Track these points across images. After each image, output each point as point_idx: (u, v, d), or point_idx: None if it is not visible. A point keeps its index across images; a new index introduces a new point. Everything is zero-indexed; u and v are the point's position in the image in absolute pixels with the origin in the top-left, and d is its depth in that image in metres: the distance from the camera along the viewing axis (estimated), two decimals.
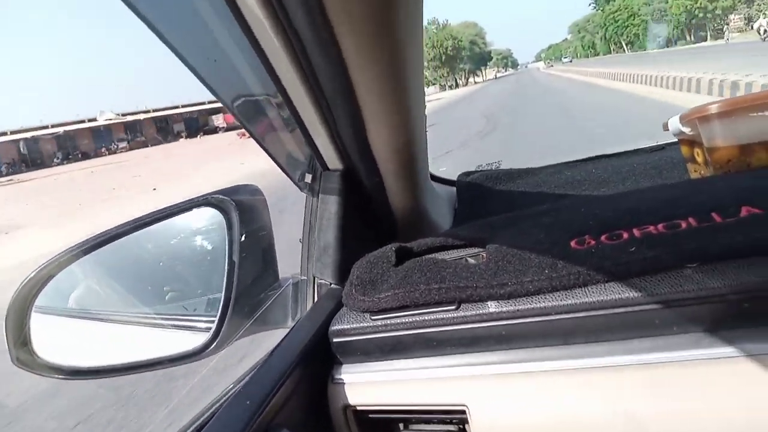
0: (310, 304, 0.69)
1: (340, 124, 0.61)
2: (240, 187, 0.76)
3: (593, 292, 0.44)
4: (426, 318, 0.50)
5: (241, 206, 0.74)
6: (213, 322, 0.70)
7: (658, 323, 0.43)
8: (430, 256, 0.60)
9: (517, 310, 0.47)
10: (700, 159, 0.68)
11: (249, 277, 0.72)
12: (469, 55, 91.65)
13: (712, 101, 0.64)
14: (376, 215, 0.75)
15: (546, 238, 0.53)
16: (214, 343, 0.68)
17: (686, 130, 0.67)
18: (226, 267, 0.71)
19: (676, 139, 0.75)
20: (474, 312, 0.48)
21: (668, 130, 0.74)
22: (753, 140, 0.62)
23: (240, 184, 0.75)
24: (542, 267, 0.48)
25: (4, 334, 0.71)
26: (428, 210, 0.82)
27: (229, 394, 0.56)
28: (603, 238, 0.49)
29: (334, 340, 0.55)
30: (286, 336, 0.58)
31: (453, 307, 0.49)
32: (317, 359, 0.55)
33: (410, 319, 0.51)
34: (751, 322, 0.40)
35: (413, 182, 0.75)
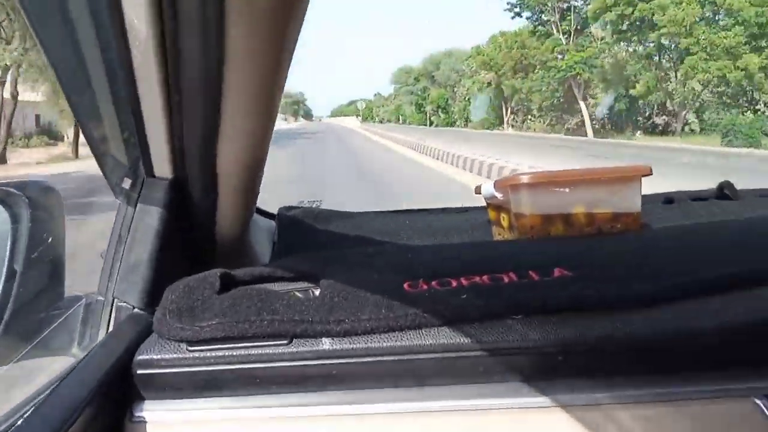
0: (103, 330, 0.61)
1: (187, 128, 0.53)
2: (33, 182, 0.65)
3: (426, 335, 0.46)
4: (254, 352, 0.47)
5: (33, 205, 0.63)
6: None
7: (482, 370, 0.45)
8: (259, 286, 0.56)
9: (352, 348, 0.46)
10: (505, 223, 0.75)
11: (31, 291, 0.62)
12: (296, 108, 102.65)
13: (523, 172, 0.71)
14: (197, 236, 0.69)
15: (380, 279, 0.53)
16: None
17: (498, 195, 0.74)
18: (2, 275, 0.60)
19: (481, 204, 0.83)
20: (307, 348, 0.46)
21: (479, 193, 0.82)
22: (554, 212, 0.70)
23: (31, 179, 0.64)
24: (379, 306, 0.48)
25: None
26: (251, 238, 0.79)
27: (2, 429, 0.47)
28: (434, 283, 0.51)
29: (138, 371, 0.48)
30: (77, 364, 0.50)
31: (285, 342, 0.47)
32: (115, 393, 0.48)
33: (235, 353, 0.47)
34: (564, 373, 0.45)
35: (246, 206, 0.71)
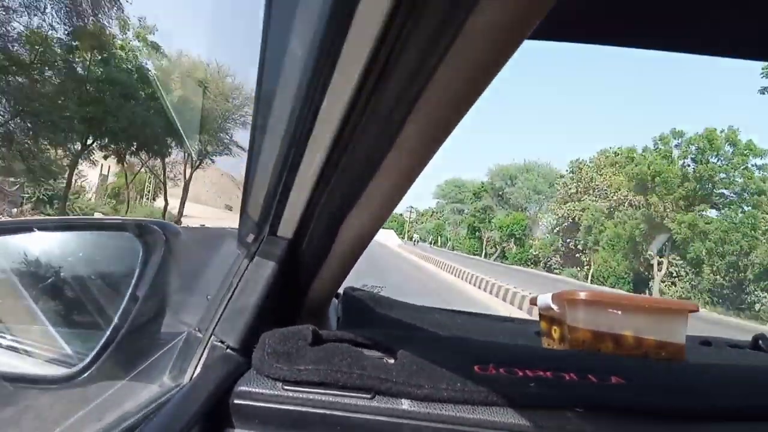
0: (197, 362, 0.67)
1: (329, 199, 0.57)
2: (166, 223, 0.76)
3: (496, 413, 0.52)
4: (340, 400, 0.52)
5: (166, 242, 0.73)
6: (85, 354, 0.66)
7: None
8: (347, 345, 0.62)
9: (428, 413, 0.51)
10: (556, 335, 0.83)
11: (143, 318, 0.69)
12: None
13: (581, 289, 0.80)
14: (293, 294, 0.77)
15: (452, 357, 0.59)
16: (85, 375, 0.64)
17: (554, 307, 0.82)
18: (125, 299, 0.69)
19: (526, 317, 0.90)
20: (388, 405, 0.52)
21: (535, 304, 0.90)
22: (605, 330, 0.78)
23: (167, 222, 0.74)
24: (455, 380, 0.53)
25: None
26: (329, 307, 0.86)
27: None
28: (502, 370, 0.57)
29: (236, 401, 0.54)
30: (178, 391, 0.56)
31: (369, 396, 0.52)
32: (209, 423, 0.53)
33: (324, 398, 0.53)
34: None
35: (341, 276, 0.78)
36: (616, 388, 0.58)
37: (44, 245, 0.72)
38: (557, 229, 31.78)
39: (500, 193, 43.31)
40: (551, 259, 33.01)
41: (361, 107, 0.41)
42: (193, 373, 0.64)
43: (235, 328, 0.66)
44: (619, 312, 0.77)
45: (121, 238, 0.74)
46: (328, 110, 0.43)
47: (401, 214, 72.62)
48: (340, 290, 1.00)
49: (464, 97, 0.40)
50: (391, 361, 0.60)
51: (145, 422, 0.49)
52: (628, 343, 0.77)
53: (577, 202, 28.84)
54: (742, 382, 0.70)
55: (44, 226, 0.70)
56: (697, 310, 0.78)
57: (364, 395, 0.53)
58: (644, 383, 0.60)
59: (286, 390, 0.54)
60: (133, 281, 0.70)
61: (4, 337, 0.70)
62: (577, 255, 29.64)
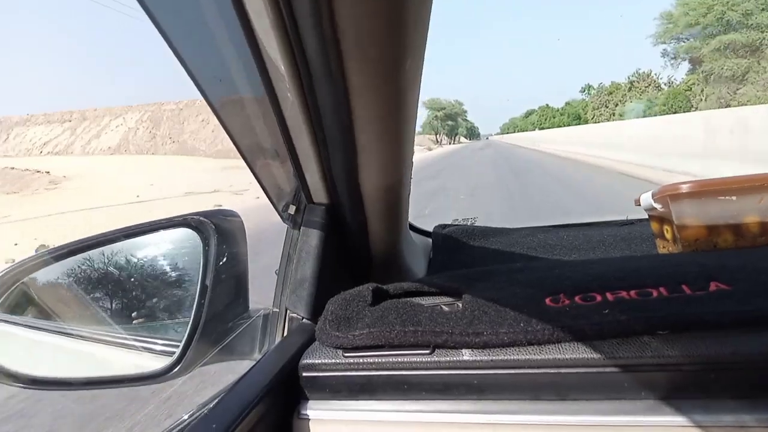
0: (278, 337, 0.69)
1: (333, 159, 0.61)
2: (219, 211, 0.76)
3: (566, 349, 0.46)
4: (399, 360, 0.51)
5: (219, 230, 0.74)
6: (176, 345, 0.70)
7: (626, 386, 0.44)
8: (406, 299, 0.60)
9: (491, 360, 0.48)
10: (668, 236, 0.70)
11: (220, 304, 0.71)
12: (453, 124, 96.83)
13: (683, 181, 0.67)
14: (354, 254, 0.75)
15: (521, 294, 0.54)
16: (178, 367, 0.67)
17: (657, 206, 0.70)
18: (197, 290, 0.71)
19: (646, 216, 0.78)
20: (448, 358, 0.49)
21: (640, 205, 0.77)
22: (720, 222, 0.65)
23: (219, 208, 0.75)
24: (518, 320, 0.49)
25: None
26: (404, 255, 0.83)
27: (194, 417, 0.55)
28: (577, 298, 0.51)
29: (304, 374, 0.54)
30: (254, 366, 0.58)
31: (427, 352, 0.50)
32: (284, 392, 0.55)
33: (383, 360, 0.51)
34: (707, 392, 0.43)
35: (394, 225, 0.76)
36: (712, 297, 0.48)
37: (117, 255, 0.76)
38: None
39: None
40: None
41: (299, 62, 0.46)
42: (271, 346, 0.66)
43: (302, 298, 0.67)
44: (734, 197, 0.64)
45: (178, 233, 0.75)
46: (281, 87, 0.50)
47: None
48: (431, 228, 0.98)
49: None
50: (453, 308, 0.57)
51: (219, 401, 0.50)
52: (752, 231, 0.64)
53: None
54: None
55: (109, 239, 0.73)
56: None
57: (423, 351, 0.50)
58: (751, 287, 0.49)
59: (347, 357, 0.53)
60: (200, 272, 0.71)
61: (106, 340, 0.77)
62: None
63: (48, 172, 24.21)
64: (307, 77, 0.48)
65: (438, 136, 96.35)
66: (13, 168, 25.98)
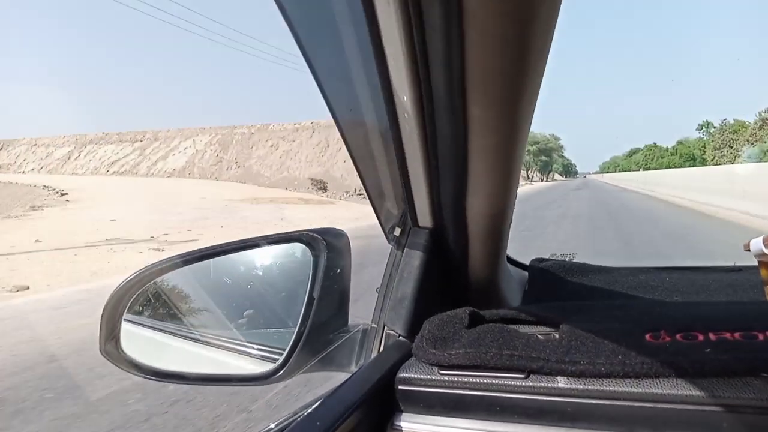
0: (375, 352, 0.71)
1: (443, 186, 0.64)
2: (330, 229, 0.81)
3: (663, 384, 0.45)
4: (494, 381, 0.52)
5: (330, 246, 0.79)
6: (277, 351, 0.75)
7: (725, 426, 0.43)
8: (502, 325, 0.61)
9: (587, 389, 0.48)
10: None
11: (323, 316, 0.76)
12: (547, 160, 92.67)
13: None
14: (452, 278, 0.77)
15: (620, 328, 0.54)
16: (282, 371, 0.72)
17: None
18: (305, 301, 0.76)
19: (756, 263, 0.72)
20: (543, 384, 0.49)
21: (749, 250, 0.72)
22: None
23: (329, 227, 0.80)
24: (616, 353, 0.49)
25: (99, 327, 0.79)
26: (501, 284, 0.83)
27: (297, 415, 0.59)
28: (678, 336, 0.50)
29: (400, 387, 0.57)
30: (353, 375, 0.61)
31: (522, 376, 0.50)
32: (380, 404, 0.57)
33: (478, 380, 0.52)
34: None
35: (494, 253, 0.76)
36: None
37: (226, 267, 0.84)
38: None
39: None
40: None
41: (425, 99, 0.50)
42: (368, 360, 0.68)
43: (400, 316, 0.70)
44: None
45: (294, 248, 0.82)
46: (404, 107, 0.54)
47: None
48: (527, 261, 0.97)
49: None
50: (549, 337, 0.57)
51: (319, 405, 0.53)
52: None
53: None
54: None
55: (226, 250, 0.82)
56: None
57: (517, 375, 0.51)
58: None
59: (442, 374, 0.55)
60: (308, 284, 0.77)
61: (216, 342, 0.84)
62: None
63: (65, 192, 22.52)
64: (430, 108, 0.52)
65: (529, 171, 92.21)
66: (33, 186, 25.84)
